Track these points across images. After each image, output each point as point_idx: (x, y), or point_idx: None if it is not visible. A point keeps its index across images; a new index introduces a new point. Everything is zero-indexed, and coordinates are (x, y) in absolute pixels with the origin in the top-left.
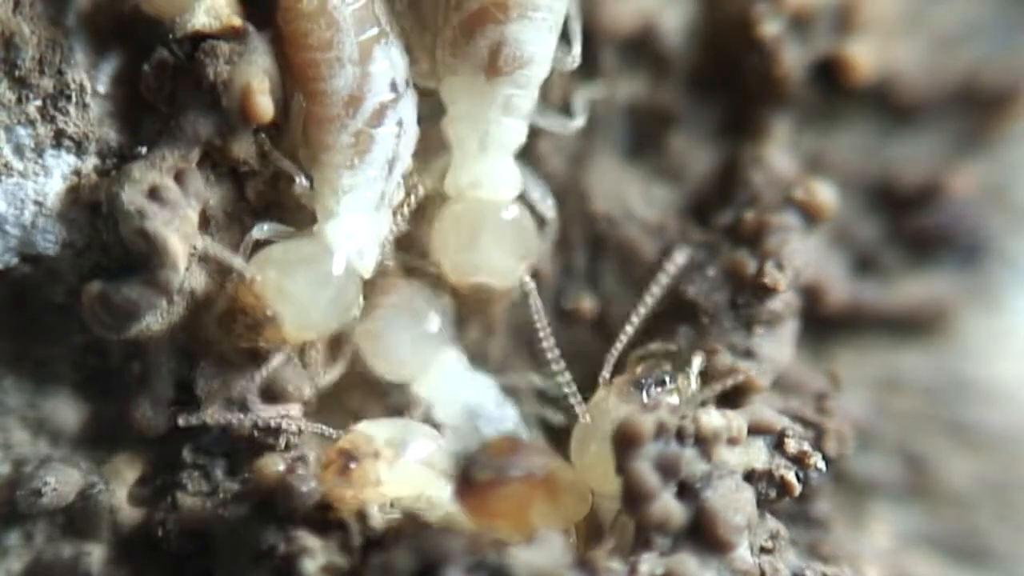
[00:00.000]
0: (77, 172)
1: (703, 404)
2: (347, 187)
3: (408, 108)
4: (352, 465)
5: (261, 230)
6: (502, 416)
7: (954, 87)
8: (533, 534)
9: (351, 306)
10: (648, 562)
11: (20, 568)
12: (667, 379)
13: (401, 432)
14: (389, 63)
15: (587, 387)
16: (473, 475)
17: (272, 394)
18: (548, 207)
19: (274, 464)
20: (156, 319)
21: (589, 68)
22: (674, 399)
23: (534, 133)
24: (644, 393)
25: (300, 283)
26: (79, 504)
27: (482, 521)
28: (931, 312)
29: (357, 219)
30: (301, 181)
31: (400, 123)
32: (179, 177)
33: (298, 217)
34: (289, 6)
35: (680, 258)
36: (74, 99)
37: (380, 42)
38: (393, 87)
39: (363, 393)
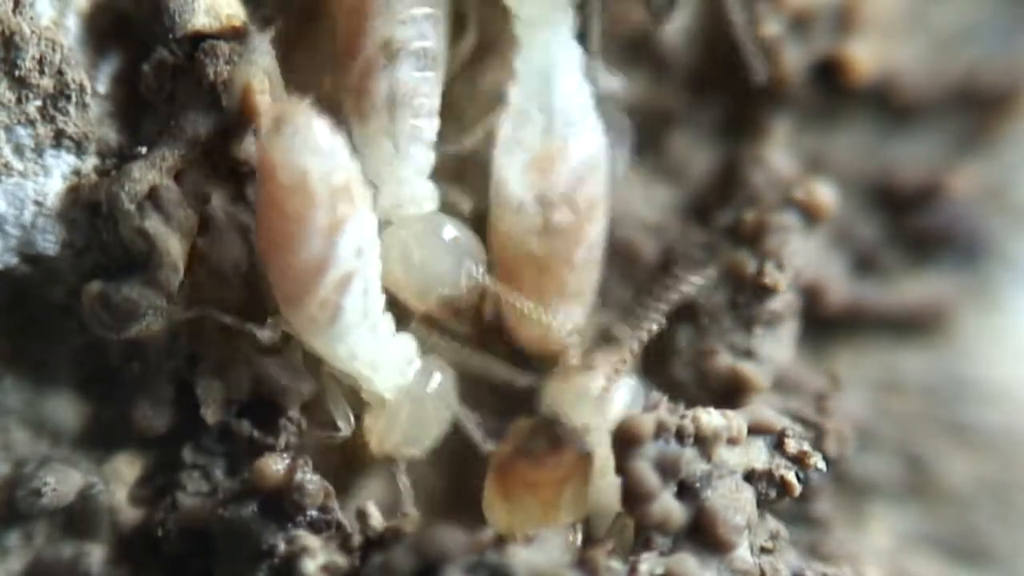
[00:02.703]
0: (77, 172)
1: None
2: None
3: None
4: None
5: None
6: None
7: (954, 87)
8: (557, 518)
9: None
10: (648, 562)
11: (20, 568)
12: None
13: None
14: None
15: None
16: (535, 443)
17: (270, 394)
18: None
19: (274, 464)
20: (156, 319)
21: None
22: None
23: None
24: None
25: None
26: (79, 504)
27: (516, 495)
28: (931, 312)
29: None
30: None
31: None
32: (179, 177)
33: None
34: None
35: (696, 279)
36: (74, 99)
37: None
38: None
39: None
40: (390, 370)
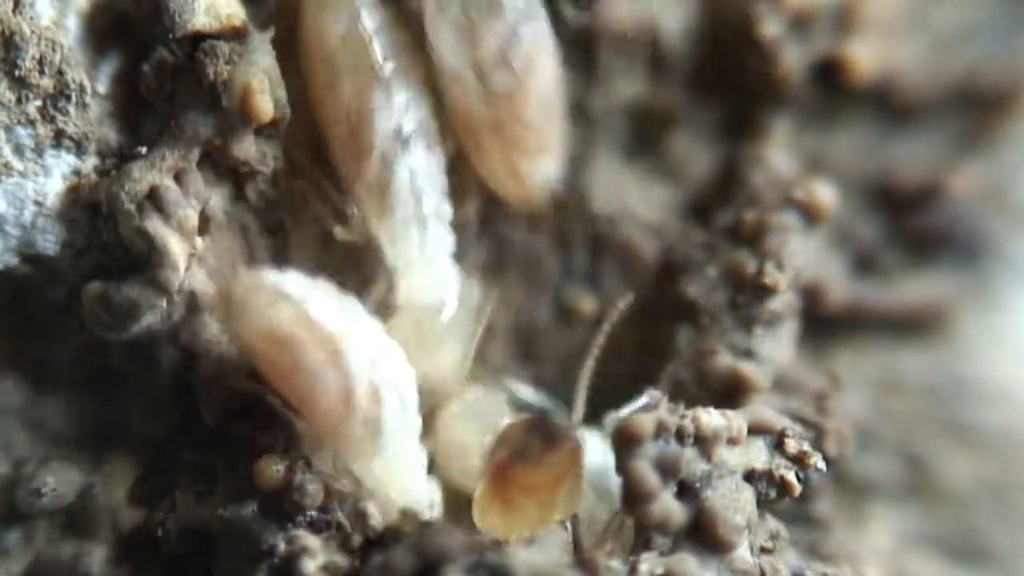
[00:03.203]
0: (77, 172)
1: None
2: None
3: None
4: None
5: None
6: None
7: (954, 87)
8: (552, 518)
9: None
10: (648, 562)
11: (20, 568)
12: None
13: None
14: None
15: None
16: (529, 445)
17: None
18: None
19: (274, 464)
20: (156, 319)
21: (589, 69)
22: None
23: None
24: None
25: None
26: (79, 504)
27: (511, 497)
28: (931, 312)
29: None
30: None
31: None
32: (179, 177)
33: (298, 217)
34: None
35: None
36: (74, 99)
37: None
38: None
39: None
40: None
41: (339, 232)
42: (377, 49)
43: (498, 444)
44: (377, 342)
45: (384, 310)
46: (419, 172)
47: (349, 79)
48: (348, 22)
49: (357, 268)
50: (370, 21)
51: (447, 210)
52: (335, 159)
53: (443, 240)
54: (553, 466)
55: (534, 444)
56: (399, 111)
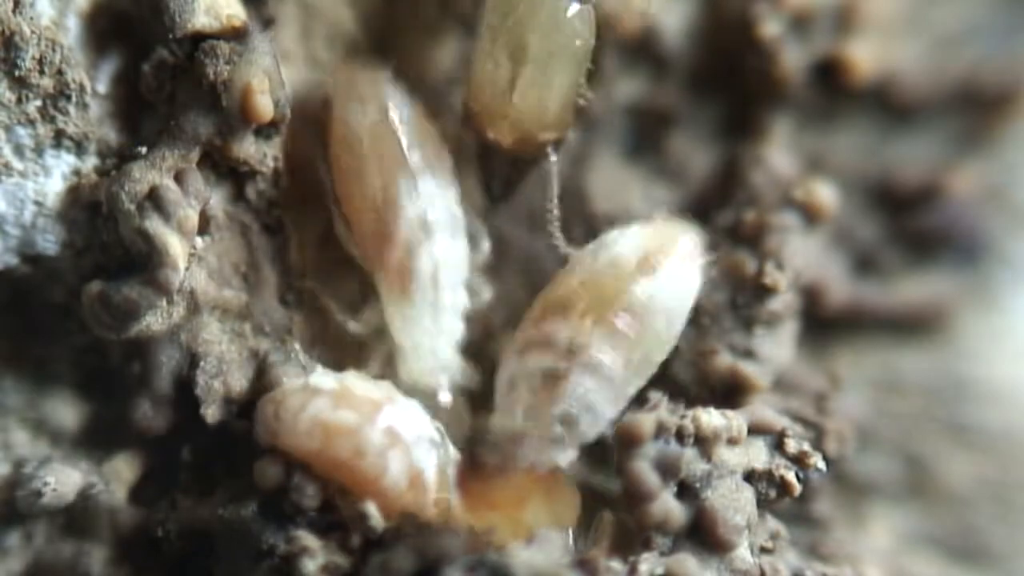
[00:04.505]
0: (77, 172)
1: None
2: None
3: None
4: None
5: None
6: None
7: (954, 87)
8: (526, 532)
9: None
10: (648, 562)
11: (20, 568)
12: None
13: None
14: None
15: None
16: (482, 456)
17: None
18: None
19: (274, 464)
20: (156, 319)
21: (590, 69)
22: None
23: None
24: None
25: None
26: (79, 504)
27: (476, 511)
28: (931, 312)
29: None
30: None
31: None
32: (179, 177)
33: (298, 217)
34: None
35: None
36: (74, 99)
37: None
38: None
39: None
40: None
41: (352, 326)
42: (403, 139)
43: (465, 458)
44: (405, 416)
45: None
46: (441, 261)
47: (376, 167)
48: (376, 113)
49: (355, 273)
50: (397, 112)
51: (463, 301)
52: (359, 247)
53: (453, 330)
54: (510, 490)
55: (489, 461)
56: (424, 200)
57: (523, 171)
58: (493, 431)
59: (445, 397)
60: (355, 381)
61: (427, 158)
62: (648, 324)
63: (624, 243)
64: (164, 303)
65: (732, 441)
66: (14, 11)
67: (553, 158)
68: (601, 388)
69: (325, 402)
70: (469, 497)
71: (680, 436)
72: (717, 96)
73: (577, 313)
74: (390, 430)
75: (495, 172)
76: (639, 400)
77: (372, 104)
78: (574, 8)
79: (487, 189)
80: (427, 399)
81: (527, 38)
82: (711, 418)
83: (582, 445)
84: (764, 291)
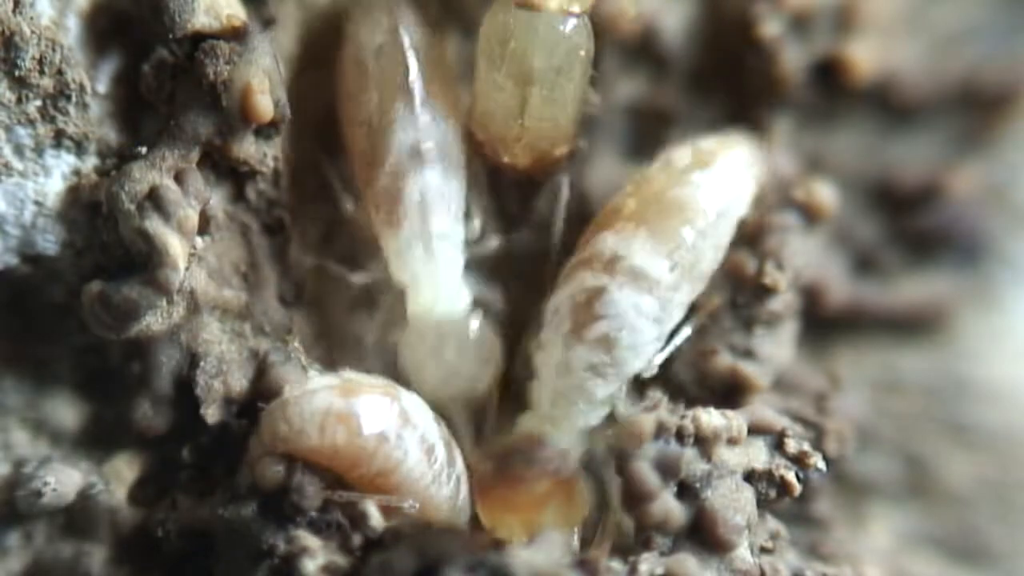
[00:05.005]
0: (77, 172)
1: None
2: None
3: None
4: None
5: None
6: None
7: (954, 87)
8: (538, 533)
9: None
10: (648, 562)
11: (20, 568)
12: None
13: None
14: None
15: None
16: (509, 465)
17: (270, 392)
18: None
19: (274, 464)
20: (156, 319)
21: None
22: None
23: None
24: None
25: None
26: (79, 504)
27: (495, 514)
28: (931, 312)
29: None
30: None
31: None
32: (179, 177)
33: (298, 217)
34: None
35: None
36: (74, 99)
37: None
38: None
39: None
40: None
41: (349, 209)
42: (409, 63)
43: (485, 456)
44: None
45: (390, 324)
46: (430, 191)
47: (377, 87)
48: (386, 33)
49: (356, 267)
50: (408, 35)
51: (459, 233)
52: (349, 160)
53: (450, 261)
54: (533, 491)
55: (515, 467)
56: (420, 129)
57: (537, 186)
58: (517, 432)
59: (474, 323)
60: (355, 375)
61: (431, 89)
62: (697, 222)
63: (679, 149)
64: (164, 303)
65: (732, 441)
66: (14, 11)
67: (566, 175)
68: (643, 301)
69: (333, 394)
70: (488, 500)
71: (680, 436)
72: (717, 96)
73: (623, 218)
74: (403, 412)
75: (508, 193)
76: (639, 396)
77: (384, 24)
78: (571, 22)
79: (502, 211)
80: (437, 406)
81: (530, 60)
82: (711, 418)
83: (625, 378)
84: (764, 291)
